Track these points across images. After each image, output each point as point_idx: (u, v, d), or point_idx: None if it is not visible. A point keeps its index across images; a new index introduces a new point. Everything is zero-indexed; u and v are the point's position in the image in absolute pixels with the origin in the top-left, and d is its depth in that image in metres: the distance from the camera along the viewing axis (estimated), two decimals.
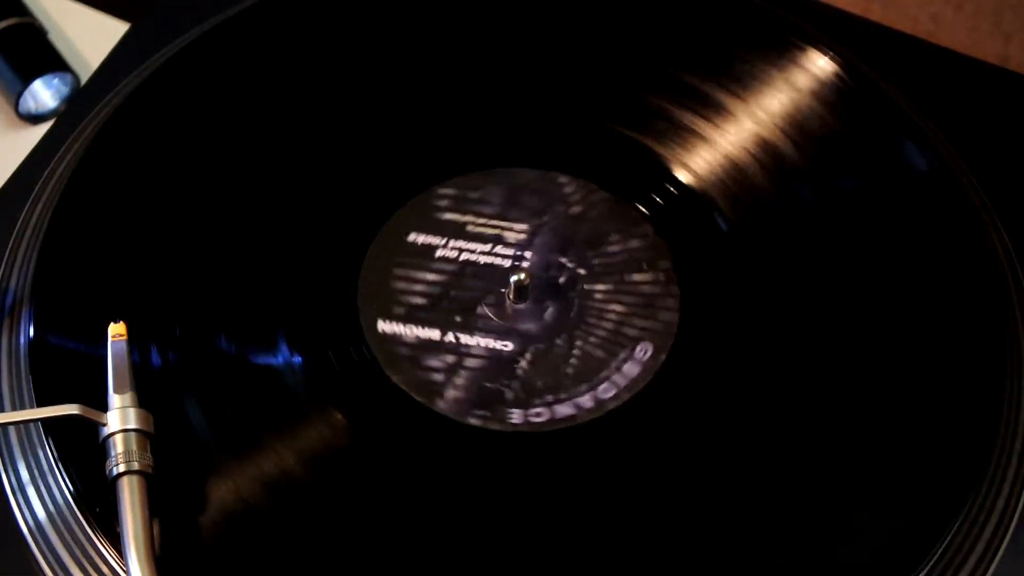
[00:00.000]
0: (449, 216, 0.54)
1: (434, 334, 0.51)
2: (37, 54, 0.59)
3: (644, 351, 0.50)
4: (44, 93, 0.59)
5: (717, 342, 0.51)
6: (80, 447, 0.46)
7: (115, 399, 0.45)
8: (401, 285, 0.52)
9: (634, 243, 0.53)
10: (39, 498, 0.47)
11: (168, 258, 0.52)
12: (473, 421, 0.48)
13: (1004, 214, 0.54)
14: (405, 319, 0.51)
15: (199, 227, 0.53)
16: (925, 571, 0.45)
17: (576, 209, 0.53)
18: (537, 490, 0.47)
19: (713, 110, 0.56)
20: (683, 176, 0.55)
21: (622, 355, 0.50)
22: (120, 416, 0.45)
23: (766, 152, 0.55)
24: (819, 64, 0.57)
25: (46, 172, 0.55)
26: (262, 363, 0.50)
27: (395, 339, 0.51)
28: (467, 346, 0.51)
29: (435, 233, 0.53)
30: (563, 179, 0.54)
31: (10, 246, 0.53)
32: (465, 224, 0.54)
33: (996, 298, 0.51)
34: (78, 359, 0.49)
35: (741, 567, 0.46)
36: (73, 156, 0.55)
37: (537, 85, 0.57)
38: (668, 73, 0.57)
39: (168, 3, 0.61)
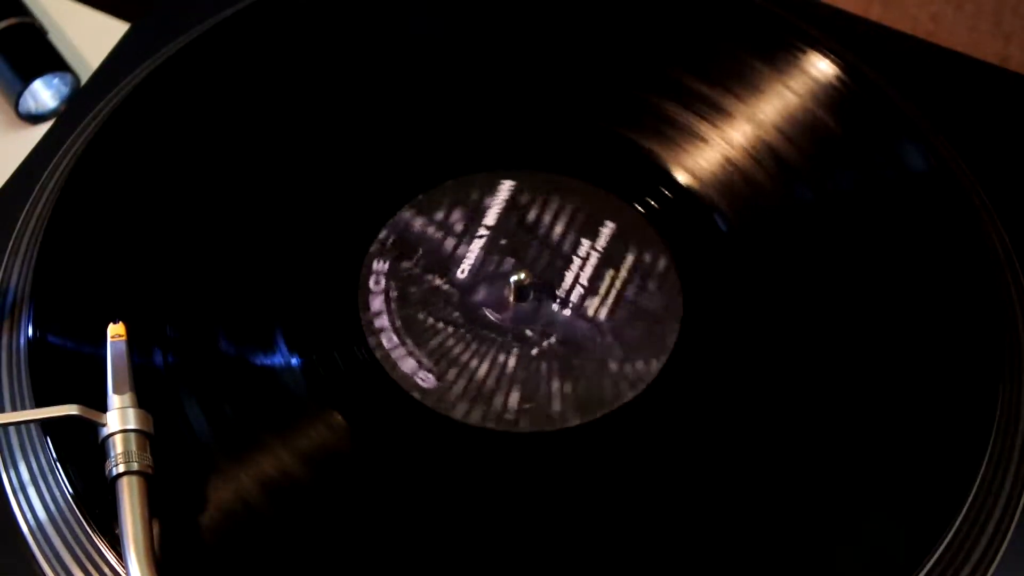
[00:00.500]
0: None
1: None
2: (37, 54, 0.59)
3: None
4: (44, 93, 0.59)
5: (717, 342, 0.51)
6: (80, 447, 0.46)
7: (114, 399, 0.45)
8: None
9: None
10: (39, 498, 0.47)
11: (167, 258, 0.52)
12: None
13: (1004, 214, 0.54)
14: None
15: (199, 227, 0.53)
16: (925, 571, 0.45)
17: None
18: (537, 490, 0.47)
19: (713, 111, 0.56)
20: (683, 177, 0.55)
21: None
22: (120, 416, 0.45)
23: (766, 152, 0.55)
24: (819, 64, 0.57)
25: (46, 172, 0.55)
26: (262, 364, 0.50)
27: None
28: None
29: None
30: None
31: (10, 246, 0.53)
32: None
33: (996, 298, 0.51)
34: (78, 359, 0.49)
35: (741, 567, 0.46)
36: (73, 156, 0.55)
37: (537, 86, 0.57)
38: (668, 74, 0.57)
39: (168, 3, 0.61)
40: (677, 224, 0.54)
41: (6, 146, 0.58)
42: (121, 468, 0.44)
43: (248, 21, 0.58)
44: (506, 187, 0.54)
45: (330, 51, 0.58)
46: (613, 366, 0.50)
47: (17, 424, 0.48)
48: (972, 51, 0.61)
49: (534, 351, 0.50)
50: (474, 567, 0.46)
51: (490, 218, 0.54)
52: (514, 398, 0.49)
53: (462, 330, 0.51)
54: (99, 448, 0.45)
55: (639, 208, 0.54)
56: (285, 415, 0.48)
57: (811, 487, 0.47)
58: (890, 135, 0.55)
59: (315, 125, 0.56)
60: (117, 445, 0.44)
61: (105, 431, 0.45)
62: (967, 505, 0.46)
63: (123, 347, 0.47)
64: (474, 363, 0.50)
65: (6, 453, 0.48)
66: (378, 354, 0.50)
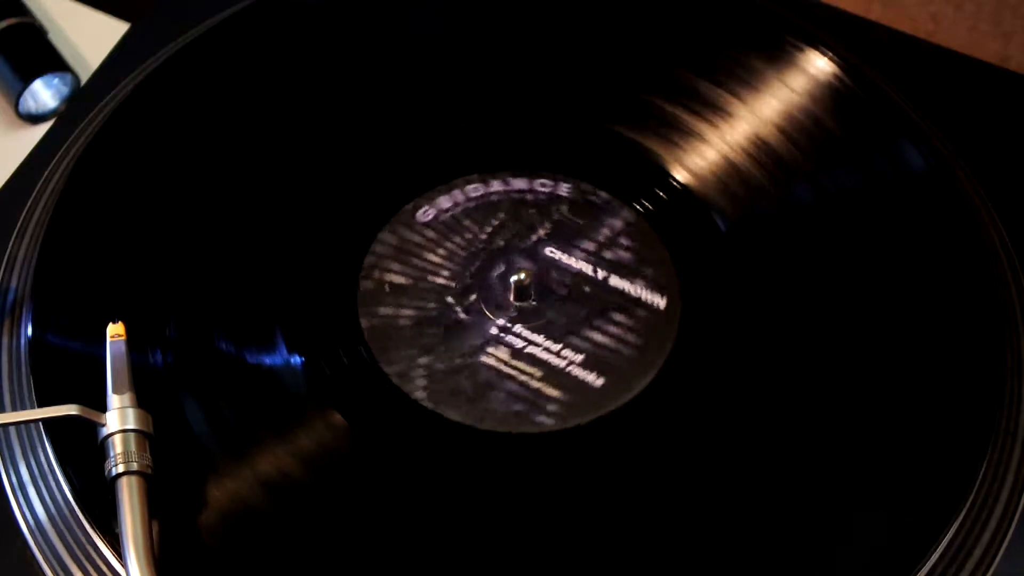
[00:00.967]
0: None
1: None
2: (37, 54, 0.59)
3: None
4: (44, 93, 0.59)
5: (716, 342, 0.51)
6: (80, 447, 0.46)
7: (114, 399, 0.45)
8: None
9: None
10: (39, 498, 0.47)
11: (167, 258, 0.52)
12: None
13: (1004, 214, 0.54)
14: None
15: (199, 227, 0.53)
16: (925, 571, 0.45)
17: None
18: (537, 491, 0.47)
19: (712, 110, 0.56)
20: (682, 176, 0.55)
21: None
22: (119, 416, 0.45)
23: (765, 152, 0.55)
24: (819, 64, 0.57)
25: (46, 172, 0.55)
26: (261, 364, 0.50)
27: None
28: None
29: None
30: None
31: (10, 246, 0.53)
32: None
33: (995, 297, 0.51)
34: (78, 359, 0.49)
35: (741, 567, 0.46)
36: (73, 156, 0.55)
37: (536, 86, 0.57)
38: (668, 73, 0.57)
39: (168, 3, 0.61)
40: (676, 224, 0.54)
41: (6, 146, 0.58)
42: (121, 468, 0.44)
43: (248, 21, 0.58)
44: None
45: (330, 51, 0.58)
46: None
47: (17, 424, 0.48)
48: (972, 51, 0.61)
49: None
50: (473, 567, 0.46)
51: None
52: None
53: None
54: (99, 448, 0.45)
55: (639, 208, 0.54)
56: (285, 415, 0.48)
57: (811, 487, 0.47)
58: (890, 135, 0.55)
59: (315, 125, 0.56)
60: (117, 445, 0.44)
61: (105, 431, 0.45)
62: (967, 505, 0.46)
63: (123, 347, 0.47)
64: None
65: (6, 453, 0.48)
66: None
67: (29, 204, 0.55)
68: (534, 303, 0.52)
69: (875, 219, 0.53)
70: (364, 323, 0.51)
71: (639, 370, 0.50)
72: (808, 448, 0.48)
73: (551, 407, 0.49)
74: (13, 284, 0.52)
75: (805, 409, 0.49)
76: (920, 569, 0.45)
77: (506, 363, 0.50)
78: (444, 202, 0.54)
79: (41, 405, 0.47)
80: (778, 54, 0.57)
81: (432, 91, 0.57)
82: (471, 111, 0.57)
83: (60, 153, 0.56)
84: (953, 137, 0.56)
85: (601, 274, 0.52)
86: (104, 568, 0.45)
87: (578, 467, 0.48)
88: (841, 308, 0.51)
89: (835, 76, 0.56)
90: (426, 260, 0.53)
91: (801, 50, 0.57)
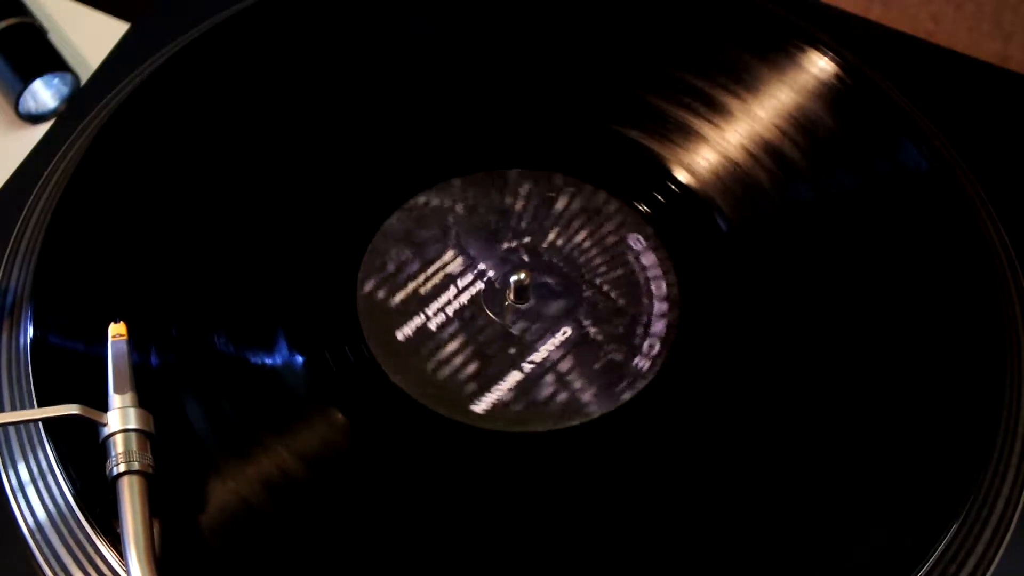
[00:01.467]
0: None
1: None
2: (37, 54, 0.59)
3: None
4: (44, 93, 0.59)
5: (717, 342, 0.51)
6: (80, 447, 0.46)
7: (115, 399, 0.45)
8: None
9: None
10: (39, 498, 0.47)
11: (168, 258, 0.52)
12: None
13: (1004, 214, 0.54)
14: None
15: (199, 227, 0.53)
16: (925, 571, 0.45)
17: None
18: (537, 490, 0.47)
19: (713, 110, 0.56)
20: (683, 176, 0.55)
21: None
22: (120, 416, 0.45)
23: (766, 152, 0.55)
24: (819, 64, 0.57)
25: (46, 172, 0.55)
26: (262, 363, 0.50)
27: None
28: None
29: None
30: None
31: (10, 246, 0.53)
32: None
33: (996, 298, 0.51)
34: (78, 359, 0.49)
35: (742, 567, 0.46)
36: (73, 156, 0.55)
37: (537, 85, 0.57)
38: (668, 73, 0.57)
39: (168, 3, 0.61)
40: (677, 224, 0.54)
41: (6, 146, 0.58)
42: (122, 467, 0.44)
43: (248, 21, 0.58)
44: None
45: (330, 51, 0.58)
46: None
47: (17, 424, 0.48)
48: (972, 51, 0.61)
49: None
50: (473, 566, 0.46)
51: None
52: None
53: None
54: (99, 448, 0.45)
55: (639, 208, 0.54)
56: (285, 414, 0.48)
57: (811, 487, 0.47)
58: (890, 135, 0.55)
59: (315, 125, 0.56)
60: (118, 444, 0.44)
61: (106, 431, 0.45)
62: (967, 505, 0.46)
63: (124, 347, 0.47)
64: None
65: (6, 453, 0.48)
66: None
67: (29, 204, 0.55)
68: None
69: (875, 219, 0.53)
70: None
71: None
72: (809, 448, 0.48)
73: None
74: (13, 284, 0.52)
75: (806, 409, 0.49)
76: (920, 569, 0.45)
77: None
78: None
79: (41, 405, 0.47)
80: (778, 54, 0.57)
81: (432, 90, 0.57)
82: (471, 111, 0.57)
83: (60, 153, 0.56)
84: (953, 137, 0.56)
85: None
86: (104, 568, 0.45)
87: (578, 467, 0.48)
88: (842, 308, 0.51)
89: (835, 76, 0.56)
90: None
91: (801, 50, 0.57)
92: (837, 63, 0.56)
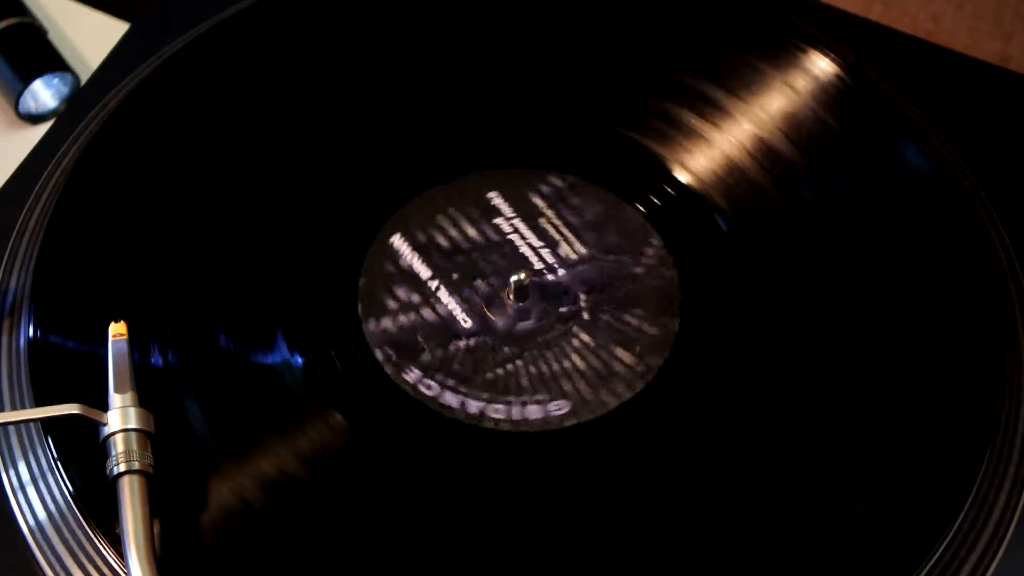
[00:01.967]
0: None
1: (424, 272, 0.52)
2: (37, 54, 0.59)
3: (558, 408, 0.50)
4: (44, 93, 0.59)
5: (718, 342, 0.51)
6: (80, 447, 0.46)
7: (116, 399, 0.45)
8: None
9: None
10: (39, 498, 0.47)
11: (168, 258, 0.52)
12: (379, 356, 0.50)
13: (1004, 214, 0.54)
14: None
15: (199, 227, 0.53)
16: (925, 571, 0.45)
17: (639, 270, 0.53)
18: (538, 490, 0.47)
19: (713, 110, 0.56)
20: (683, 176, 0.55)
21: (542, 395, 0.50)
22: (121, 416, 0.45)
23: (766, 152, 0.55)
24: (819, 64, 0.57)
25: (46, 172, 0.55)
26: (262, 363, 0.50)
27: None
28: (437, 299, 0.51)
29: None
30: (655, 241, 0.53)
31: (10, 246, 0.53)
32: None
33: (996, 298, 0.51)
34: (78, 359, 0.49)
35: (741, 567, 0.46)
36: (73, 156, 0.55)
37: (537, 86, 0.57)
38: (668, 73, 0.57)
39: (168, 3, 0.61)
40: (677, 224, 0.54)
41: (6, 146, 0.58)
42: (122, 467, 0.44)
43: (248, 21, 0.58)
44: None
45: (330, 51, 0.58)
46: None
47: (17, 424, 0.48)
48: (972, 51, 0.61)
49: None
50: (473, 566, 0.46)
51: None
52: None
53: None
54: (99, 448, 0.45)
55: (640, 208, 0.54)
56: (285, 415, 0.48)
57: (811, 487, 0.47)
58: (890, 135, 0.55)
59: (315, 124, 0.56)
60: (118, 444, 0.44)
61: (106, 430, 0.45)
62: (967, 505, 0.46)
63: (124, 346, 0.47)
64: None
65: (6, 453, 0.48)
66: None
67: (29, 204, 0.55)
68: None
69: (875, 219, 0.53)
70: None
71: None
72: (809, 447, 0.48)
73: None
74: (13, 284, 0.52)
75: (806, 408, 0.49)
76: (920, 569, 0.45)
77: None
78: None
79: (41, 404, 0.47)
80: (778, 54, 0.57)
81: (432, 91, 0.57)
82: (472, 111, 0.57)
83: (60, 153, 0.56)
84: (953, 137, 0.56)
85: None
86: (104, 568, 0.45)
87: (579, 467, 0.48)
88: (842, 308, 0.51)
89: (835, 76, 0.56)
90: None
91: (801, 50, 0.57)
92: (837, 63, 0.56)
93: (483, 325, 0.51)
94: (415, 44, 0.58)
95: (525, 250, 0.53)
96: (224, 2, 0.59)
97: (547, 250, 0.53)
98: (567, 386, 0.50)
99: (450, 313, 0.51)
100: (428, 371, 0.50)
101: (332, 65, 0.58)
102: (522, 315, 0.51)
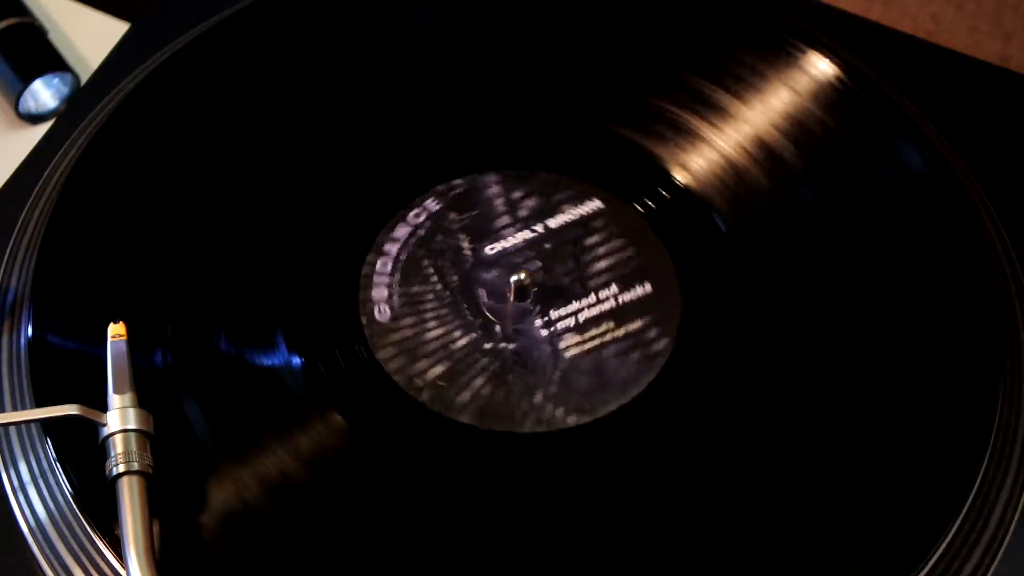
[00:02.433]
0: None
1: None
2: (37, 54, 0.59)
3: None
4: (44, 93, 0.59)
5: (717, 343, 0.51)
6: (80, 447, 0.46)
7: (115, 399, 0.45)
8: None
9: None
10: (39, 498, 0.47)
11: (168, 258, 0.52)
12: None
13: (1004, 214, 0.54)
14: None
15: (199, 227, 0.53)
16: (925, 571, 0.45)
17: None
18: (538, 492, 0.47)
19: (713, 111, 0.56)
20: (682, 177, 0.55)
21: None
22: (120, 416, 0.45)
23: (766, 153, 0.55)
24: (819, 65, 0.57)
25: (46, 172, 0.55)
26: (262, 364, 0.50)
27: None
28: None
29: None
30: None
31: (10, 246, 0.53)
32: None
33: (995, 297, 0.51)
34: (78, 359, 0.49)
35: (741, 567, 0.46)
36: (73, 156, 0.55)
37: (536, 86, 0.57)
38: (668, 73, 0.57)
39: (168, 3, 0.61)
40: (677, 225, 0.54)
41: (6, 146, 0.58)
42: (121, 468, 0.44)
43: (248, 21, 0.58)
44: (592, 205, 0.54)
45: (330, 51, 0.58)
46: (537, 398, 0.50)
47: (17, 424, 0.48)
48: (972, 51, 0.61)
49: (487, 345, 0.50)
50: (473, 567, 0.46)
51: (554, 222, 0.54)
52: (436, 371, 0.50)
53: (447, 292, 0.51)
54: (99, 448, 0.45)
55: (639, 208, 0.54)
56: (285, 415, 0.48)
57: (811, 486, 0.47)
58: (890, 135, 0.55)
59: (315, 124, 0.56)
60: (117, 445, 0.44)
61: (105, 431, 0.45)
62: (967, 505, 0.46)
63: (123, 347, 0.47)
64: (432, 323, 0.51)
65: (6, 453, 0.48)
66: (364, 271, 0.52)
67: (29, 204, 0.55)
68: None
69: (875, 219, 0.53)
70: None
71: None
72: (809, 448, 0.48)
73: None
74: (13, 284, 0.52)
75: (806, 409, 0.49)
76: (920, 569, 0.45)
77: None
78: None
79: (41, 405, 0.47)
80: (778, 54, 0.57)
81: (432, 91, 0.57)
82: (471, 111, 0.57)
83: (60, 153, 0.56)
84: (953, 137, 0.56)
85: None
86: (104, 568, 0.45)
87: (579, 469, 0.48)
88: (842, 308, 0.51)
89: (835, 76, 0.56)
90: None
91: (801, 50, 0.57)
92: (837, 63, 0.56)
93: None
94: (415, 44, 0.58)
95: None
96: (224, 2, 0.59)
97: (569, 324, 0.53)
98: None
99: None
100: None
101: (332, 65, 0.58)
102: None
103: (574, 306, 0.52)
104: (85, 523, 0.45)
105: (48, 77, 0.59)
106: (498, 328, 0.51)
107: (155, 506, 0.44)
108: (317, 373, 0.50)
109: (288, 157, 0.55)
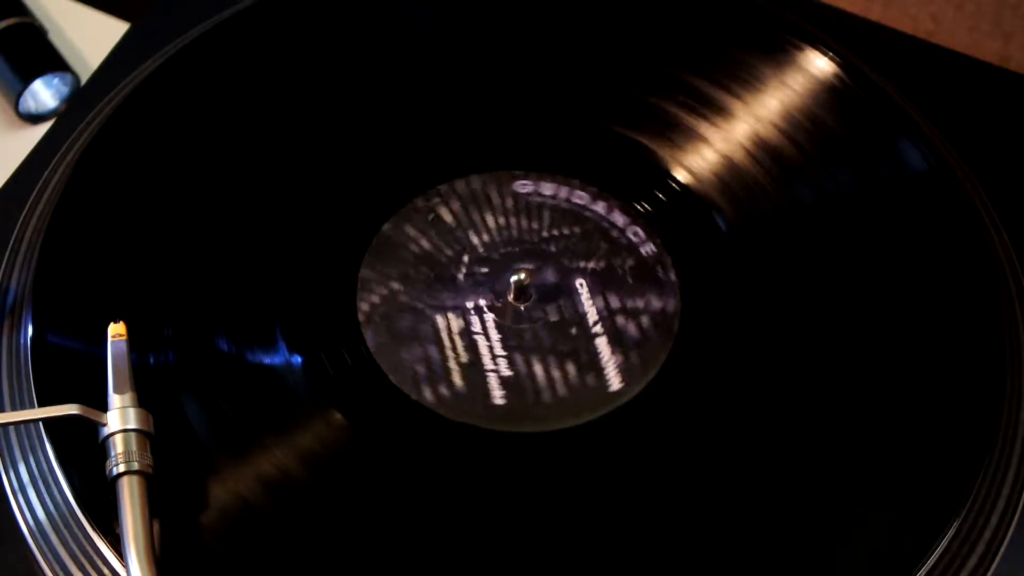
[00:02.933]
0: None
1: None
2: (37, 54, 0.59)
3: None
4: (44, 93, 0.59)
5: (717, 343, 0.51)
6: (80, 447, 0.46)
7: (115, 399, 0.45)
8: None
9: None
10: (39, 498, 0.47)
11: (168, 258, 0.52)
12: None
13: (1004, 214, 0.54)
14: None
15: (199, 227, 0.53)
16: (925, 571, 0.45)
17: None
18: (536, 490, 0.47)
19: (713, 110, 0.56)
20: (682, 176, 0.55)
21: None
22: (120, 416, 0.45)
23: (766, 152, 0.55)
24: (818, 64, 0.57)
25: (46, 172, 0.55)
26: (262, 363, 0.50)
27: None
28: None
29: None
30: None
31: (10, 246, 0.53)
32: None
33: (996, 297, 0.51)
34: (78, 359, 0.49)
35: (741, 567, 0.46)
36: (73, 156, 0.55)
37: (536, 86, 0.57)
38: (668, 73, 0.57)
39: (168, 3, 0.61)
40: (677, 224, 0.54)
41: (6, 146, 0.58)
42: (121, 468, 0.44)
43: (248, 21, 0.58)
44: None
45: (330, 51, 0.58)
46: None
47: (17, 424, 0.48)
48: (972, 51, 0.61)
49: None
50: (473, 567, 0.46)
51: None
52: None
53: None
54: (99, 448, 0.45)
55: (639, 208, 0.54)
56: (285, 415, 0.48)
57: (811, 487, 0.47)
58: (890, 135, 0.55)
59: (315, 124, 0.56)
60: (117, 445, 0.44)
61: (105, 431, 0.45)
62: (967, 505, 0.46)
63: (124, 347, 0.47)
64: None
65: (6, 453, 0.48)
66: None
67: (29, 204, 0.55)
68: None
69: (875, 219, 0.53)
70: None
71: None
72: (809, 448, 0.48)
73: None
74: (13, 284, 0.52)
75: (806, 409, 0.49)
76: (920, 569, 0.45)
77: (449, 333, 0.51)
78: (547, 188, 0.54)
79: (41, 405, 0.47)
80: (778, 54, 0.57)
81: (432, 91, 0.57)
82: (471, 111, 0.57)
83: (60, 153, 0.56)
84: (953, 137, 0.56)
85: (596, 329, 0.52)
86: (104, 568, 0.45)
87: (577, 467, 0.48)
88: (842, 308, 0.51)
89: (835, 76, 0.56)
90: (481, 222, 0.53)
91: (801, 50, 0.57)
92: (837, 63, 0.56)
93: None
94: (415, 44, 0.58)
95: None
96: (224, 2, 0.59)
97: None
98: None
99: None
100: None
101: (332, 65, 0.58)
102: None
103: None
104: (85, 523, 0.45)
105: (48, 77, 0.59)
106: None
107: (155, 506, 0.44)
108: (317, 372, 0.50)
109: (288, 157, 0.55)
